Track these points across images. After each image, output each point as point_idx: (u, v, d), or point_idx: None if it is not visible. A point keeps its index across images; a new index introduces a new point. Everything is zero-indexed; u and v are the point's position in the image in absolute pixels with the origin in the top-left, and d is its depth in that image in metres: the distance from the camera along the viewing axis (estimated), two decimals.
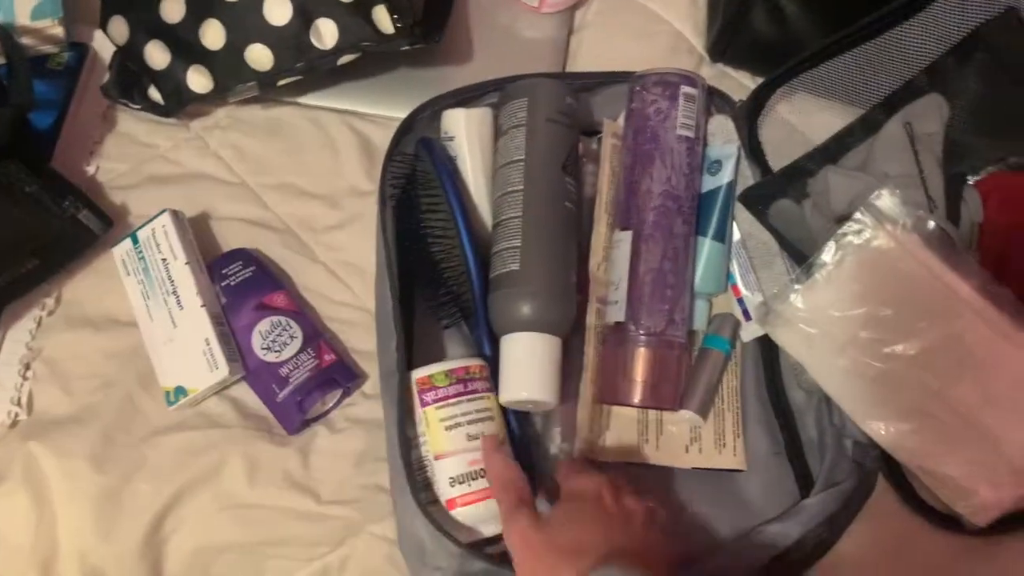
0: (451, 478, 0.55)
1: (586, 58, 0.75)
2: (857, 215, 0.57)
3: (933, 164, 0.59)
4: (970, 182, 0.59)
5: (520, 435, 0.60)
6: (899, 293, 0.56)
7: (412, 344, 0.63)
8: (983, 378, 0.55)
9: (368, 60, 0.67)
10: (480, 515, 0.55)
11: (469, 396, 0.56)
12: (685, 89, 0.63)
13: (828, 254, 0.57)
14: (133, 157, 0.71)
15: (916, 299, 0.56)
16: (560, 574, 0.46)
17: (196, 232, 0.67)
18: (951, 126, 0.60)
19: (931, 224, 0.56)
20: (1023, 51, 0.56)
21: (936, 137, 0.59)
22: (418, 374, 0.57)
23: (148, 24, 0.66)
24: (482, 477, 0.54)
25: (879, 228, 0.56)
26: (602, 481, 0.52)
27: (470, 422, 0.56)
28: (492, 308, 0.60)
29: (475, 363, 0.58)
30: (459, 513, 0.54)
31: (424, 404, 0.56)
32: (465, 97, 0.66)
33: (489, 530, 0.55)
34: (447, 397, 0.56)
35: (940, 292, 0.56)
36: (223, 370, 0.60)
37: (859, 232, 0.57)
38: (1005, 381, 0.55)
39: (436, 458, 0.55)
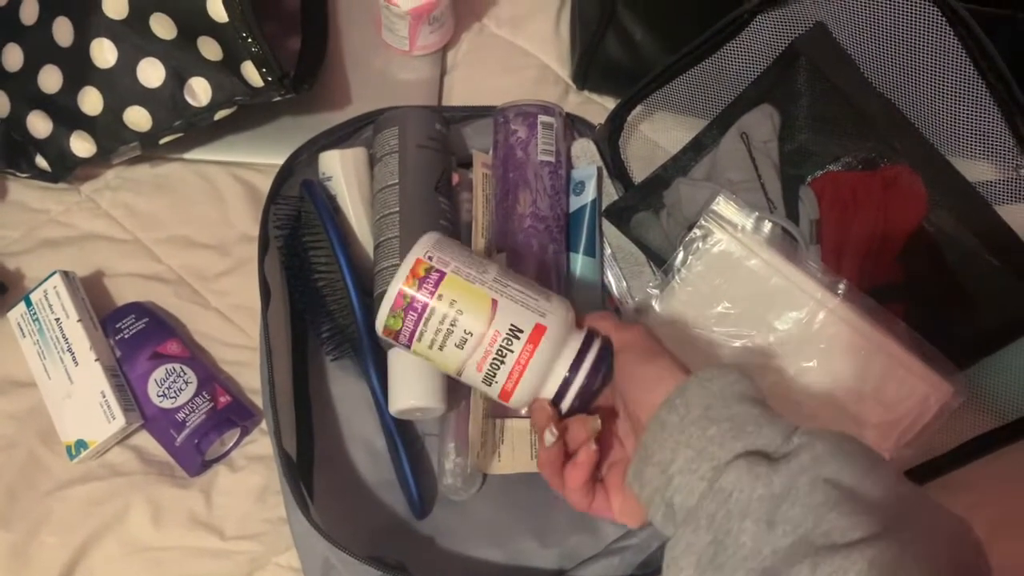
0: (482, 380, 0.51)
1: (460, 95, 0.79)
2: (701, 221, 0.61)
3: (770, 169, 0.63)
4: (807, 183, 0.64)
5: (412, 450, 0.63)
6: (747, 290, 0.61)
7: (307, 376, 0.67)
8: (829, 362, 0.60)
9: (247, 112, 0.71)
10: (536, 379, 0.50)
11: (424, 314, 0.50)
12: (542, 118, 0.67)
13: (679, 260, 0.62)
14: (25, 223, 0.73)
15: (763, 294, 0.60)
16: (675, 374, 0.47)
17: (92, 289, 0.69)
18: (791, 132, 0.65)
19: (769, 224, 0.61)
20: (835, 60, 0.61)
21: (771, 144, 0.64)
22: (379, 329, 0.52)
23: (28, 95, 0.68)
24: (502, 361, 0.50)
25: (722, 231, 0.61)
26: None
27: (446, 334, 0.50)
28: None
29: (404, 276, 0.50)
30: (520, 395, 0.51)
31: (407, 347, 0.52)
32: (340, 135, 0.70)
33: (555, 379, 0.51)
34: (413, 330, 0.51)
35: (784, 285, 0.60)
36: (120, 420, 0.62)
37: (704, 237, 0.61)
38: (849, 362, 0.59)
39: (459, 375, 0.52)
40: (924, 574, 0.36)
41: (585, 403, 0.51)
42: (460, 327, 0.50)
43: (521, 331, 0.50)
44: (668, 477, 0.44)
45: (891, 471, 0.42)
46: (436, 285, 0.50)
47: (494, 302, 0.50)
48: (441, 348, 0.51)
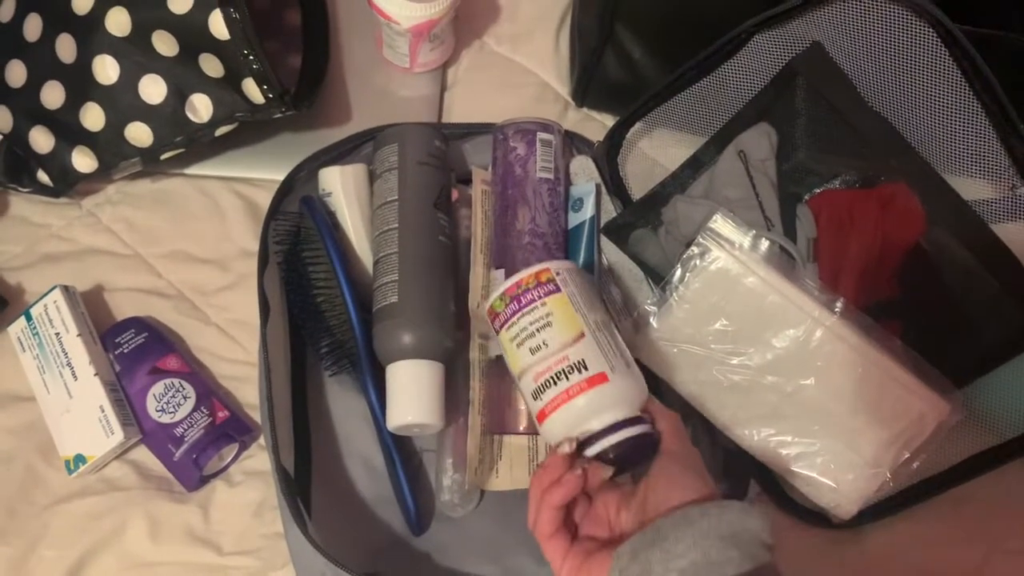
0: (531, 392, 0.54)
1: (460, 112, 0.80)
2: (699, 239, 0.61)
3: (768, 187, 0.64)
4: (804, 201, 0.64)
5: (410, 466, 0.63)
6: (745, 307, 0.61)
7: (305, 391, 0.67)
8: (826, 379, 0.60)
9: (248, 128, 0.71)
10: (573, 416, 0.52)
11: (524, 310, 0.55)
12: (541, 135, 0.68)
13: (676, 277, 0.62)
14: (27, 238, 0.73)
15: (760, 311, 0.61)
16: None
17: (92, 304, 0.69)
18: (789, 150, 0.65)
19: (766, 242, 0.61)
20: (832, 79, 0.61)
21: (768, 162, 0.64)
22: (485, 307, 0.58)
23: (30, 110, 0.69)
24: (555, 383, 0.52)
25: (720, 249, 0.61)
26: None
27: (528, 336, 0.54)
28: (376, 341, 0.63)
29: (530, 273, 0.56)
30: (552, 422, 0.53)
31: (496, 331, 0.57)
32: (341, 152, 0.70)
33: (594, 424, 0.52)
34: (508, 318, 0.55)
35: (781, 303, 0.60)
36: (118, 435, 0.62)
37: (702, 254, 0.61)
38: (846, 380, 0.60)
39: (519, 379, 0.55)
40: None
41: (611, 462, 0.52)
42: (542, 336, 0.54)
43: (586, 368, 0.52)
44: (667, 569, 0.43)
45: None
46: (547, 295, 0.55)
47: (581, 334, 0.53)
48: (519, 345, 0.54)
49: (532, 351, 0.54)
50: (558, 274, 0.55)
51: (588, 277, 0.56)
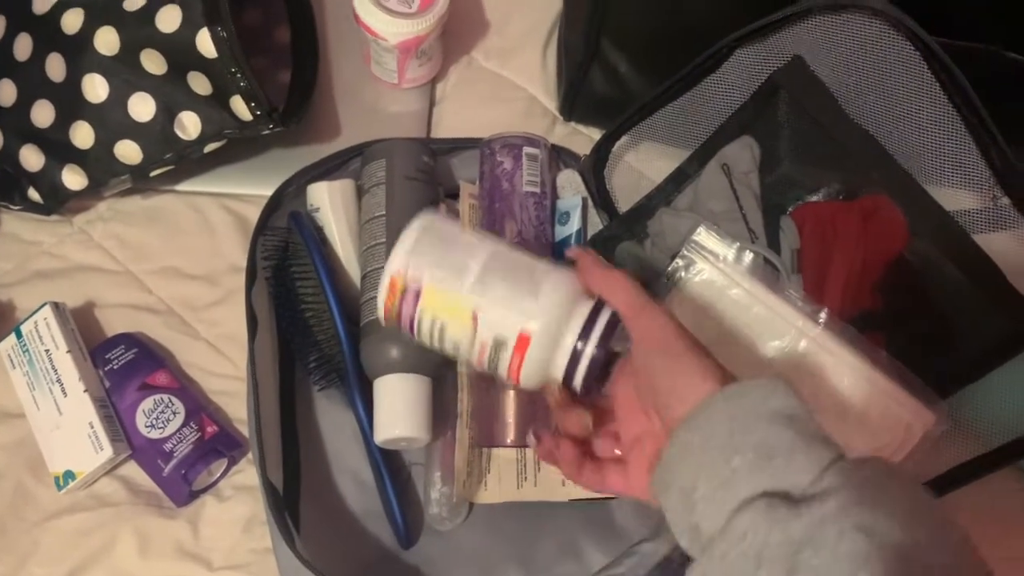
0: (489, 372, 0.49)
1: (449, 127, 0.80)
2: (683, 251, 0.62)
3: (751, 199, 0.64)
4: (787, 213, 0.65)
5: (399, 479, 0.64)
6: (730, 319, 0.61)
7: (294, 406, 0.67)
8: (811, 391, 0.60)
9: (237, 144, 0.72)
10: (535, 372, 0.48)
11: (414, 330, 0.49)
12: (528, 150, 0.68)
13: (661, 290, 0.62)
14: (18, 255, 0.74)
15: (746, 323, 0.61)
16: (707, 369, 0.43)
17: (83, 320, 0.70)
18: (772, 163, 0.66)
19: (750, 254, 0.62)
20: (813, 93, 0.62)
21: (752, 175, 0.64)
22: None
23: (21, 129, 0.69)
24: (496, 366, 0.48)
25: (704, 261, 0.61)
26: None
27: (440, 346, 0.49)
28: (363, 355, 0.63)
29: (385, 293, 0.49)
30: (526, 383, 0.49)
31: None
32: (329, 167, 0.70)
33: (559, 360, 0.47)
34: (411, 333, 0.49)
35: (765, 314, 0.61)
36: (108, 451, 0.63)
37: (687, 267, 0.62)
38: (830, 391, 0.60)
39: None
40: None
41: (598, 379, 0.48)
42: (449, 337, 0.48)
43: (504, 342, 0.47)
44: (692, 504, 0.39)
45: (937, 517, 0.37)
46: (415, 300, 0.48)
47: (474, 315, 0.47)
48: (440, 348, 0.49)
49: (453, 351, 0.49)
50: (403, 272, 0.48)
51: (433, 225, 0.49)
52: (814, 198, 0.65)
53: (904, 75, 0.57)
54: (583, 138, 0.80)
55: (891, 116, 0.60)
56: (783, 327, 0.60)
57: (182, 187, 0.76)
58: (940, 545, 0.35)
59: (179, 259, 0.73)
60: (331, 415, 0.67)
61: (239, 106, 0.66)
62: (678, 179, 0.67)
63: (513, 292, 0.47)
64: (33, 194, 0.71)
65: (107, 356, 0.67)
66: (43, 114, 0.69)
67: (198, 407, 0.66)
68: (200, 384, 0.69)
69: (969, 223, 0.60)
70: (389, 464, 0.64)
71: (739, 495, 0.38)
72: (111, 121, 0.68)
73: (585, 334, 0.46)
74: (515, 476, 0.65)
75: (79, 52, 0.66)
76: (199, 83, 0.66)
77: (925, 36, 0.55)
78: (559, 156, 0.72)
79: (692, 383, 0.42)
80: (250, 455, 0.67)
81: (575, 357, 0.47)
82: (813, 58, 0.61)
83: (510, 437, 0.64)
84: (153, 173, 0.70)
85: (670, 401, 0.43)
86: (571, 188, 0.71)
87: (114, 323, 0.71)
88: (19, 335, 0.67)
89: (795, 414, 0.40)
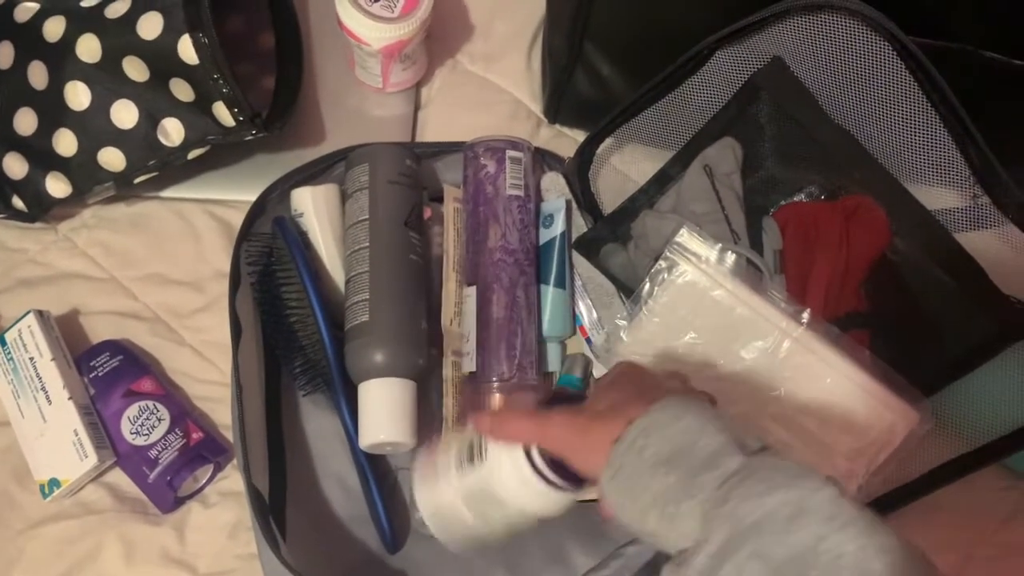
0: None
1: (434, 131, 0.80)
2: (666, 253, 0.62)
3: (734, 200, 0.64)
4: (770, 213, 0.65)
5: (385, 484, 0.64)
6: (713, 320, 0.61)
7: (280, 411, 0.67)
8: (795, 390, 0.60)
9: (221, 150, 0.72)
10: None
11: None
12: (511, 153, 0.68)
13: (645, 291, 0.62)
14: (3, 263, 0.73)
15: (728, 324, 0.61)
16: (610, 430, 0.44)
17: (67, 328, 0.70)
18: (754, 164, 0.66)
19: (732, 255, 0.62)
20: (793, 93, 0.62)
21: (734, 176, 0.65)
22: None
23: (3, 137, 0.69)
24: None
25: (687, 263, 0.62)
26: (633, 363, 0.52)
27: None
28: (348, 360, 0.64)
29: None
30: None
31: None
32: (312, 172, 0.70)
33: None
34: None
35: (748, 315, 0.61)
36: (92, 458, 0.63)
37: (670, 268, 0.62)
38: (814, 391, 0.60)
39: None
40: None
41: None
42: None
43: None
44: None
45: (822, 510, 0.37)
46: None
47: None
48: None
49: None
50: None
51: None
52: (796, 198, 0.66)
53: (882, 75, 0.57)
54: (568, 140, 0.80)
55: (871, 116, 0.60)
56: (766, 328, 0.61)
57: (166, 193, 0.76)
58: (835, 535, 0.36)
59: (164, 265, 0.73)
60: (317, 420, 0.67)
61: (222, 112, 0.66)
62: (661, 181, 0.67)
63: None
64: (17, 202, 0.71)
65: (92, 363, 0.67)
66: (26, 122, 0.68)
67: (183, 413, 0.66)
68: (185, 390, 0.69)
69: (951, 222, 0.60)
70: (375, 469, 0.64)
71: (669, 550, 0.41)
72: (94, 128, 0.67)
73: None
74: None
75: (61, 60, 0.66)
76: (181, 90, 0.66)
77: (902, 36, 0.55)
78: (543, 159, 0.72)
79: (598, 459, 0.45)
80: (235, 461, 0.67)
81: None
82: (792, 59, 0.61)
83: None
84: (137, 180, 0.70)
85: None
86: (555, 191, 0.71)
87: (99, 330, 0.71)
88: (3, 343, 0.67)
89: (675, 450, 0.42)
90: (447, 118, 0.81)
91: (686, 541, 0.40)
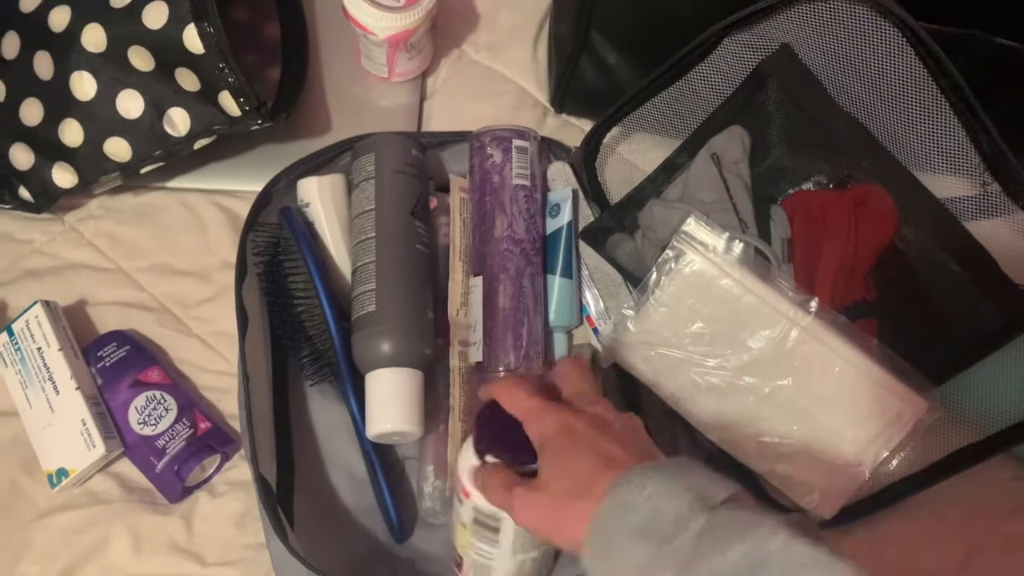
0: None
1: (440, 121, 0.80)
2: (673, 242, 0.62)
3: (741, 189, 0.64)
4: (778, 202, 0.65)
5: (392, 474, 0.64)
6: (720, 309, 0.61)
7: (287, 402, 0.67)
8: (803, 379, 0.60)
9: (227, 140, 0.72)
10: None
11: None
12: (517, 143, 0.68)
13: (652, 280, 0.62)
14: (10, 254, 0.73)
15: (736, 313, 0.61)
16: (579, 514, 0.45)
17: (74, 318, 0.70)
18: (761, 152, 0.66)
19: (740, 244, 0.61)
20: (801, 81, 0.61)
21: (741, 164, 0.64)
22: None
23: (10, 128, 0.69)
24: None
25: (694, 252, 0.61)
26: (559, 413, 0.50)
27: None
28: (354, 349, 0.63)
29: None
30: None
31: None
32: (319, 162, 0.70)
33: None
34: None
35: (756, 304, 0.60)
36: (100, 448, 0.63)
37: (677, 258, 0.62)
38: (822, 380, 0.60)
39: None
40: None
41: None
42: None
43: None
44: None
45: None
46: None
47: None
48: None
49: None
50: None
51: None
52: (804, 187, 0.65)
53: (891, 62, 0.57)
54: (574, 130, 0.80)
55: (879, 103, 0.59)
56: (774, 317, 0.60)
57: (172, 184, 0.76)
58: None
59: (170, 256, 0.73)
60: (324, 410, 0.67)
61: (227, 102, 0.66)
62: (668, 170, 0.67)
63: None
64: (24, 192, 0.71)
65: (99, 353, 0.67)
66: (32, 112, 0.68)
67: (190, 403, 0.66)
68: (192, 380, 0.69)
69: (960, 210, 0.60)
70: (382, 458, 0.64)
71: None
72: (100, 118, 0.67)
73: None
74: None
75: (67, 50, 0.66)
76: (187, 79, 0.66)
77: (911, 22, 0.54)
78: (550, 148, 0.72)
79: (575, 532, 0.45)
80: (243, 451, 0.67)
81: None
82: (801, 46, 0.61)
83: None
84: (143, 170, 0.70)
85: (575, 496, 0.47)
86: (561, 180, 0.71)
87: (106, 320, 0.71)
88: (11, 333, 0.67)
89: (645, 520, 0.42)
90: (453, 108, 0.81)
91: None
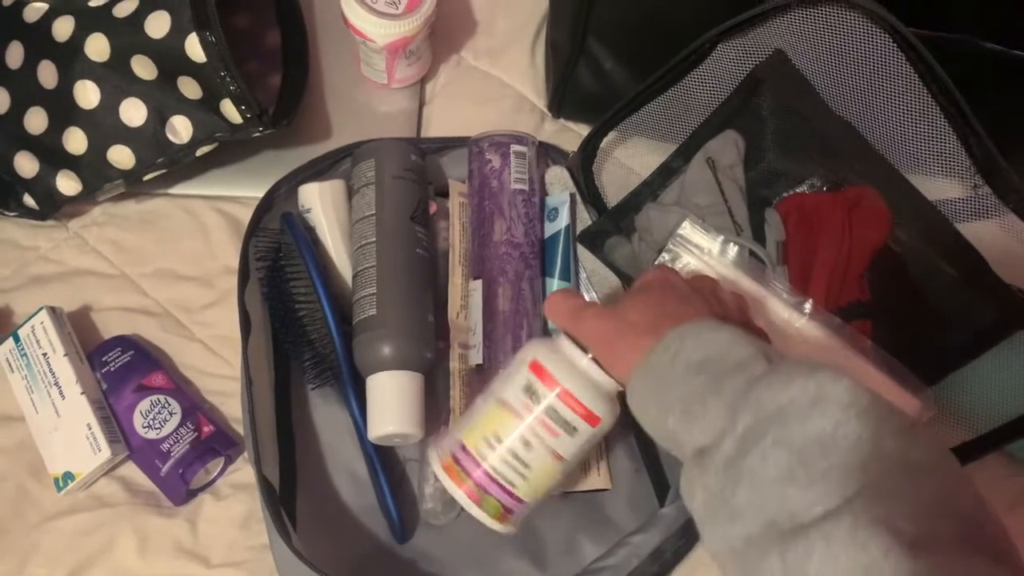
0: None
1: (439, 126, 0.81)
2: (668, 245, 0.63)
3: (736, 192, 0.65)
4: (772, 205, 0.65)
5: (393, 475, 0.65)
6: None
7: (289, 405, 0.68)
8: None
9: (229, 147, 0.72)
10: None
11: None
12: (515, 148, 0.69)
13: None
14: (15, 261, 0.74)
15: None
16: (640, 344, 0.46)
17: (79, 324, 0.70)
18: (756, 156, 0.67)
19: (735, 247, 0.62)
20: (795, 86, 0.62)
21: (736, 168, 0.65)
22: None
23: (15, 136, 0.70)
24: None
25: (690, 255, 0.62)
26: (665, 269, 0.53)
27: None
28: (356, 353, 0.64)
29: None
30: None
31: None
32: (319, 168, 0.71)
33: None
34: None
35: (751, 306, 0.61)
36: (105, 452, 0.63)
37: (673, 260, 0.62)
38: None
39: None
40: (890, 538, 0.34)
41: None
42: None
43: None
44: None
45: (872, 420, 0.38)
46: None
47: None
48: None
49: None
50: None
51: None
52: (798, 190, 0.66)
53: (883, 66, 0.58)
54: (572, 134, 0.81)
55: (872, 107, 0.60)
56: (769, 318, 0.61)
57: (175, 190, 0.76)
58: (852, 422, 0.38)
59: (173, 261, 0.74)
60: (326, 413, 0.68)
61: (229, 109, 0.67)
62: (664, 174, 0.68)
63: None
64: (28, 200, 0.72)
65: (104, 358, 0.68)
66: (36, 121, 0.69)
67: (194, 407, 0.67)
68: (196, 385, 0.70)
69: (952, 212, 0.61)
70: (384, 460, 0.65)
71: (684, 452, 0.43)
72: (104, 127, 0.68)
73: None
74: None
75: (71, 59, 0.67)
76: (189, 87, 0.67)
77: (902, 27, 0.55)
78: (547, 153, 0.73)
79: (629, 360, 0.47)
80: (246, 454, 0.67)
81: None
82: (794, 51, 0.62)
83: None
84: (146, 177, 0.71)
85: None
86: (559, 184, 0.72)
87: (110, 326, 0.72)
88: (17, 339, 0.68)
89: (707, 357, 0.44)
90: (451, 113, 0.82)
91: (706, 436, 0.42)
